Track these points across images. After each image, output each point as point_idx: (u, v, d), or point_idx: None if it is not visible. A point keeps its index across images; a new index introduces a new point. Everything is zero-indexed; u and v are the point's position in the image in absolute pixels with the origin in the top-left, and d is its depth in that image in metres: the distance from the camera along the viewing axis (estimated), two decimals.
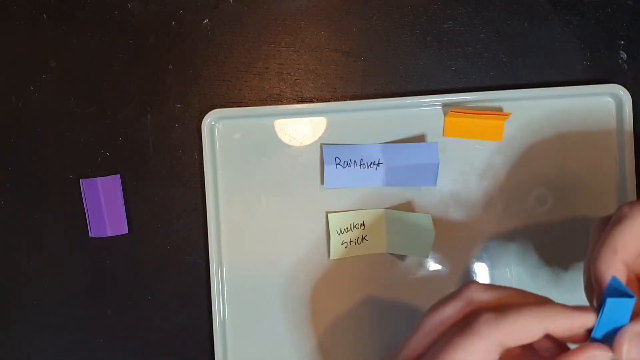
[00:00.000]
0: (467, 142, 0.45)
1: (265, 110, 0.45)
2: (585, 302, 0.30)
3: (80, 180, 0.46)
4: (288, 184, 0.45)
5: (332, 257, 0.45)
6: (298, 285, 0.45)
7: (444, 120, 0.44)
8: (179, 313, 0.46)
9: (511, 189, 0.45)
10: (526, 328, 0.26)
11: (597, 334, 0.26)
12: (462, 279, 0.45)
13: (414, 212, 0.45)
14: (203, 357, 0.46)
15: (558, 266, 0.44)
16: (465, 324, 0.27)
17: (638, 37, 0.45)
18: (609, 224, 0.30)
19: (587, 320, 0.26)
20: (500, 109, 0.44)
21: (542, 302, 0.27)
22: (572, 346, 0.27)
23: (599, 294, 0.28)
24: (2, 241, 0.47)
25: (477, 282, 0.29)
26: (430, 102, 0.44)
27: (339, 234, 0.44)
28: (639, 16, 0.45)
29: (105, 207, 0.45)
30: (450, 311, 0.28)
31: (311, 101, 0.46)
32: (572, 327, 0.26)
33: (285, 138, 0.45)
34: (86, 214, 0.46)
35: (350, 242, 0.45)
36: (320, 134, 0.45)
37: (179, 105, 0.46)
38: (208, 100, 0.46)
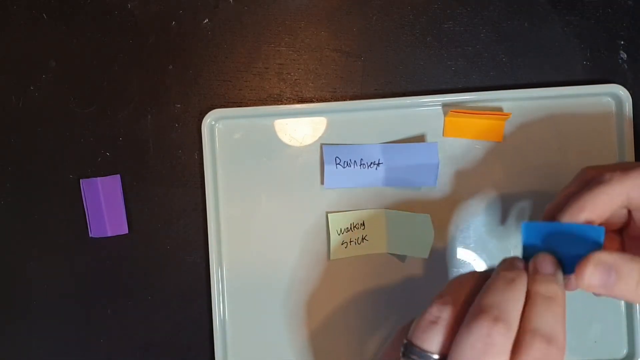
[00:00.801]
0: (467, 142, 0.45)
1: (265, 110, 0.45)
2: None
3: (80, 180, 0.46)
4: (288, 184, 0.45)
5: (332, 257, 0.45)
6: (298, 285, 0.45)
7: (444, 120, 0.44)
8: (179, 313, 0.46)
9: (511, 189, 0.45)
10: None
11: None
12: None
13: (414, 212, 0.45)
14: (203, 357, 0.46)
15: None
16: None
17: (638, 37, 0.45)
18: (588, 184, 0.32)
19: None
20: (500, 109, 0.44)
21: None
22: None
23: None
24: (2, 241, 0.47)
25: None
26: (430, 102, 0.44)
27: (339, 234, 0.44)
28: (639, 16, 0.45)
29: (105, 207, 0.45)
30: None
31: (311, 101, 0.46)
32: None
33: (285, 138, 0.45)
34: (86, 214, 0.46)
35: (350, 242, 0.45)
36: (320, 134, 0.45)
37: (179, 105, 0.46)
38: (208, 100, 0.46)
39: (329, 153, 0.44)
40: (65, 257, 0.47)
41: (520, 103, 0.44)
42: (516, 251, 0.45)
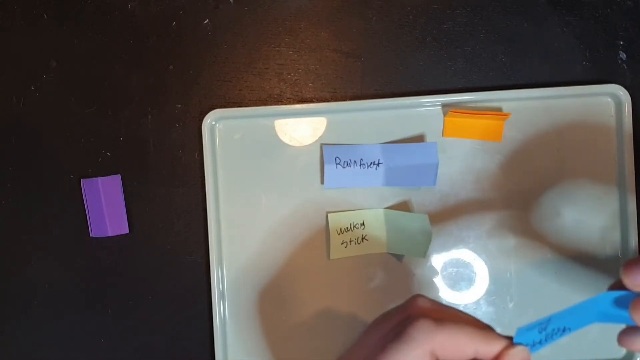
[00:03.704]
0: (466, 142, 0.45)
1: (265, 110, 0.45)
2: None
3: (81, 180, 0.46)
4: (288, 184, 0.45)
5: (332, 257, 0.45)
6: (298, 285, 0.45)
7: (444, 120, 0.44)
8: (179, 313, 0.46)
9: (510, 188, 0.45)
10: (460, 343, 0.26)
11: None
12: (462, 279, 0.45)
13: (414, 212, 0.45)
14: (203, 357, 0.46)
15: (557, 265, 0.44)
16: (401, 328, 0.26)
17: (637, 37, 0.45)
18: None
19: (505, 346, 0.26)
20: (499, 109, 0.44)
21: (477, 323, 0.27)
22: None
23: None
24: (2, 241, 0.47)
25: (422, 295, 0.29)
26: (429, 102, 0.44)
27: (339, 234, 0.44)
28: (639, 16, 0.45)
29: (106, 207, 0.45)
30: (392, 322, 0.28)
31: (311, 101, 0.46)
32: (494, 351, 0.26)
33: (285, 138, 0.45)
34: (87, 214, 0.46)
35: (350, 242, 0.45)
36: (320, 134, 0.45)
37: (179, 106, 0.46)
38: (208, 101, 0.46)
39: (329, 153, 0.44)
40: (66, 257, 0.47)
41: (520, 103, 0.44)
42: (515, 252, 0.45)
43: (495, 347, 0.26)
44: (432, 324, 0.26)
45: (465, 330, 0.26)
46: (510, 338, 0.27)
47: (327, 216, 0.45)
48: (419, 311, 0.28)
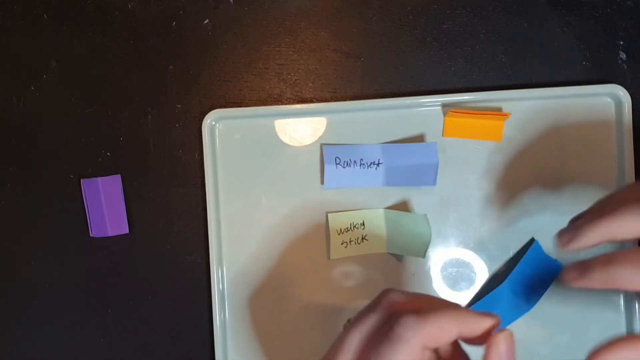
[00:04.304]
0: (466, 142, 0.45)
1: (265, 110, 0.45)
2: None
3: (81, 180, 0.46)
4: (288, 184, 0.45)
5: (332, 257, 0.45)
6: (298, 285, 0.45)
7: (444, 120, 0.44)
8: (179, 313, 0.46)
9: (510, 189, 0.45)
10: (445, 329, 0.26)
11: None
12: (462, 279, 0.45)
13: (414, 212, 0.45)
14: (203, 357, 0.46)
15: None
16: (387, 330, 0.27)
17: (637, 37, 0.45)
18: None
19: (490, 324, 0.27)
20: (499, 109, 0.44)
21: (455, 306, 0.28)
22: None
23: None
24: (2, 241, 0.47)
25: (393, 289, 0.30)
26: (429, 102, 0.44)
27: (339, 234, 0.44)
28: (639, 16, 0.45)
29: (106, 207, 0.45)
30: (372, 321, 0.28)
31: (311, 101, 0.46)
32: (479, 330, 0.27)
33: (285, 138, 0.45)
34: (87, 214, 0.46)
35: (350, 242, 0.45)
36: (320, 134, 0.45)
37: (179, 106, 0.46)
38: (208, 101, 0.46)
39: (329, 153, 0.44)
40: (66, 257, 0.47)
41: (520, 103, 0.44)
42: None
43: (478, 325, 0.26)
44: (417, 319, 0.26)
45: (448, 315, 0.26)
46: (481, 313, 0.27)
47: (327, 216, 0.45)
48: (398, 307, 0.28)
